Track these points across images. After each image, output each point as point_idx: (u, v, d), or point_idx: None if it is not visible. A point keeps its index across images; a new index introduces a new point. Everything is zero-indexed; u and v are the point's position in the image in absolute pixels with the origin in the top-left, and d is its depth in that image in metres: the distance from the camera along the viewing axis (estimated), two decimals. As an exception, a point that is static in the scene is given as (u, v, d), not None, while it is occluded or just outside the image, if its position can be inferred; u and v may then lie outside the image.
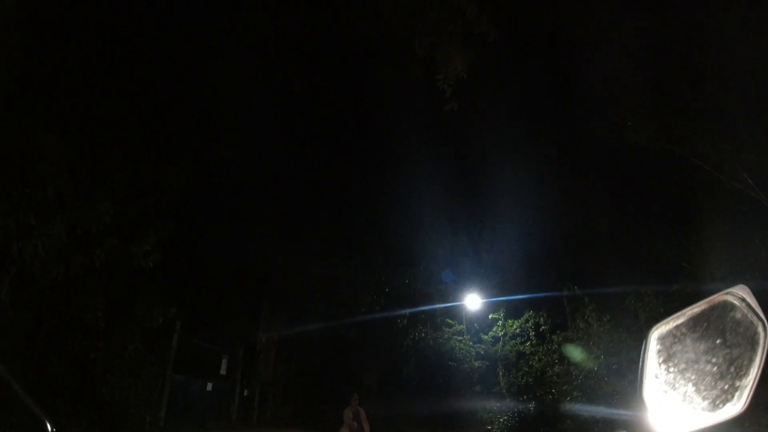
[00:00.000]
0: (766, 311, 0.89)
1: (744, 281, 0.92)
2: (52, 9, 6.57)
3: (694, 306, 0.89)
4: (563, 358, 12.77)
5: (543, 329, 15.30)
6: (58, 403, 7.33)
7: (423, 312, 17.31)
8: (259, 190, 14.26)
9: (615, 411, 9.10)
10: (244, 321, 15.49)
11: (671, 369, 0.85)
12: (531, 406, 13.31)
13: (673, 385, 0.84)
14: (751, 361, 0.86)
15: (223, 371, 15.37)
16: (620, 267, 11.33)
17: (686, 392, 0.84)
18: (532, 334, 15.89)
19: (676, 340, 0.87)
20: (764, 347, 0.87)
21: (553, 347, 13.69)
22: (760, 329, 0.88)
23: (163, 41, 7.90)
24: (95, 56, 7.70)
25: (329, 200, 17.48)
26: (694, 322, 0.87)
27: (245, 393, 16.03)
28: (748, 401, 0.83)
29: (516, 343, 16.28)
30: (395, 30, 4.71)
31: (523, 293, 16.05)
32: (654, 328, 0.87)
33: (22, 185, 6.56)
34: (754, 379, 0.85)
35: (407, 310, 16.96)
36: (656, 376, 0.84)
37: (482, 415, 14.84)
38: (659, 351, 0.86)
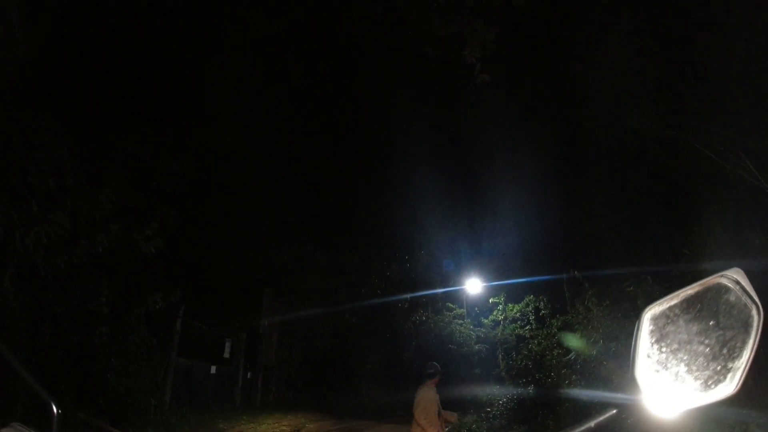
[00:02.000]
0: (761, 295, 0.90)
1: (743, 267, 0.93)
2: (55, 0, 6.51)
3: (687, 288, 0.90)
4: (562, 343, 12.88)
5: (543, 313, 15.40)
6: (63, 390, 7.42)
7: (424, 296, 17.44)
8: (261, 178, 14.26)
9: (613, 394, 9.20)
10: (246, 305, 15.64)
11: (664, 349, 0.86)
12: (530, 389, 13.46)
13: (665, 365, 0.85)
14: (744, 343, 0.87)
15: (226, 355, 15.56)
16: (620, 252, 11.36)
17: (678, 372, 0.85)
18: (532, 318, 16.01)
19: (669, 320, 0.88)
20: (757, 330, 0.89)
21: (553, 331, 13.80)
22: (754, 312, 0.90)
23: (166, 31, 7.85)
24: (98, 46, 7.64)
25: (331, 187, 17.48)
26: (688, 304, 0.89)
27: (248, 376, 16.25)
28: (740, 383, 0.85)
29: (516, 327, 16.42)
30: (408, 12, 4.65)
31: (523, 277, 16.13)
32: (647, 309, 0.88)
33: (24, 174, 6.57)
34: (747, 361, 0.86)
35: (408, 295, 17.08)
36: (648, 356, 0.86)
37: (482, 398, 15.03)
38: (652, 331, 0.87)
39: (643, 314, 0.88)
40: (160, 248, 8.24)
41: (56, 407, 1.53)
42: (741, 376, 0.86)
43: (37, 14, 6.09)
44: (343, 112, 15.85)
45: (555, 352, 13.04)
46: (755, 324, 0.89)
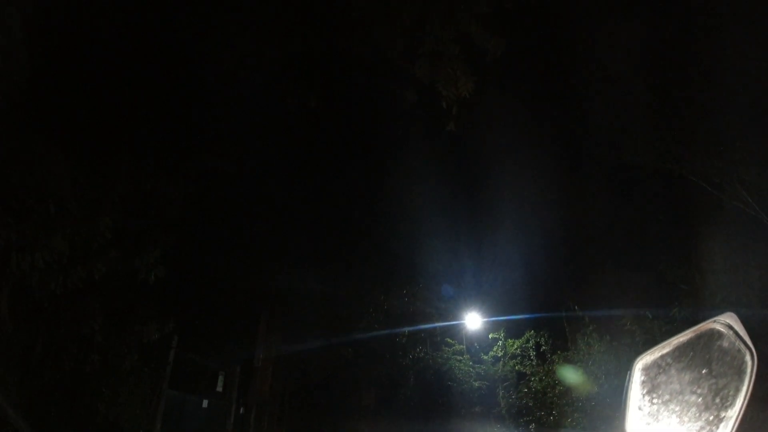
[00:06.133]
0: (762, 336, 0.89)
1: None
2: (58, 20, 6.70)
3: (680, 335, 0.89)
4: (563, 380, 12.62)
5: (544, 349, 15.14)
6: (52, 416, 7.26)
7: (422, 331, 17.16)
8: (259, 206, 14.30)
9: None
10: (241, 338, 15.37)
11: (655, 401, 0.84)
12: (531, 427, 13.11)
13: (657, 417, 0.83)
14: (737, 390, 0.86)
15: (219, 388, 15.20)
16: (621, 288, 11.27)
17: (670, 424, 0.83)
18: (532, 354, 15.71)
19: (661, 370, 0.86)
20: (751, 377, 0.87)
21: (554, 368, 13.54)
22: (748, 358, 0.88)
23: (166, 54, 8.03)
24: (99, 68, 7.82)
25: (328, 217, 17.50)
26: (680, 352, 0.87)
27: (241, 411, 15.82)
28: (733, 432, 0.82)
29: (516, 363, 16.09)
30: (393, 54, 4.78)
31: (523, 313, 15.95)
32: (638, 359, 0.87)
33: (23, 197, 6.60)
34: (740, 409, 0.84)
35: (406, 329, 16.82)
36: (639, 408, 0.84)
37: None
38: (643, 382, 0.85)
39: (634, 364, 0.87)
40: (161, 277, 8.20)
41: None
42: (734, 425, 0.84)
43: (39, 33, 6.24)
44: (343, 141, 16.03)
45: (556, 389, 12.76)
46: (749, 370, 0.88)
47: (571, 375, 12.17)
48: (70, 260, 7.01)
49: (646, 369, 0.86)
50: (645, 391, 0.85)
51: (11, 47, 5.93)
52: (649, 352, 0.87)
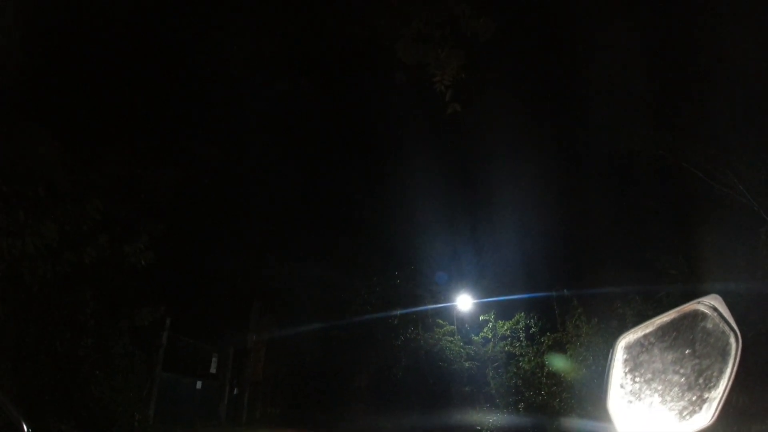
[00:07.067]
0: (746, 318, 0.90)
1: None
2: (51, 9, 6.56)
3: (663, 315, 0.88)
4: (551, 364, 12.83)
5: (533, 331, 15.31)
6: (46, 401, 7.26)
7: (414, 313, 17.30)
8: (251, 191, 14.24)
9: (592, 423, 9.16)
10: (234, 320, 15.44)
11: (637, 379, 0.85)
12: (520, 407, 13.37)
13: (639, 396, 0.84)
14: (721, 372, 0.86)
15: (212, 370, 15.30)
16: (611, 271, 11.41)
17: (652, 403, 0.83)
18: (522, 335, 15.89)
19: (644, 349, 0.86)
20: (735, 358, 0.87)
21: (543, 349, 13.74)
22: (732, 340, 0.88)
23: (157, 42, 7.89)
24: (91, 55, 7.68)
25: (321, 200, 17.46)
26: (663, 332, 0.87)
27: (235, 392, 15.97)
28: (716, 413, 0.83)
29: (506, 345, 16.28)
30: (382, 35, 4.70)
31: (513, 294, 16.10)
32: (621, 337, 0.87)
33: (14, 182, 6.50)
34: (724, 390, 0.84)
35: (398, 311, 16.95)
36: (621, 386, 0.84)
37: (471, 416, 14.88)
38: (626, 360, 0.86)
39: (617, 343, 0.87)
40: (150, 261, 8.18)
41: (26, 426, 1.49)
42: (717, 407, 0.84)
43: (31, 22, 6.11)
44: (335, 126, 15.91)
45: (545, 370, 12.96)
46: (733, 352, 0.88)
47: (559, 357, 12.37)
48: (59, 245, 6.95)
49: (629, 347, 0.86)
50: (627, 369, 0.85)
51: (6, 34, 5.82)
52: (631, 330, 0.87)
